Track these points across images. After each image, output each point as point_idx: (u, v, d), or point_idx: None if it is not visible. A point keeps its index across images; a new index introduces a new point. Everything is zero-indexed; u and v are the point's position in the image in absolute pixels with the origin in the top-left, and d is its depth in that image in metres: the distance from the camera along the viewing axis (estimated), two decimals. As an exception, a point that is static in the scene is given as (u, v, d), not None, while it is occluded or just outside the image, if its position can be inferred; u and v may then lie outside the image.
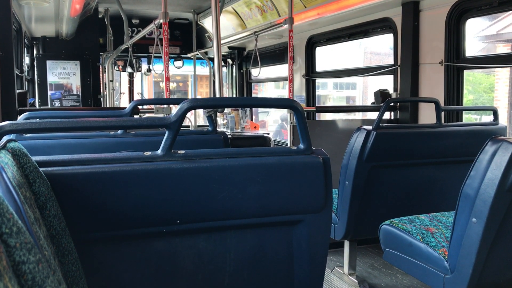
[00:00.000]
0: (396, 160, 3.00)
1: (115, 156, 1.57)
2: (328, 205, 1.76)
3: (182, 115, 1.56)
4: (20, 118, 2.46)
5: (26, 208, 1.00)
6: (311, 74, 5.70)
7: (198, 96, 20.02)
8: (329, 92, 21.80)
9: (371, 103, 4.57)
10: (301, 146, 1.72)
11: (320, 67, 5.75)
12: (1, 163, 1.05)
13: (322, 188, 1.73)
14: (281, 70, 6.88)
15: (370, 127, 2.89)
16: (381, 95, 4.29)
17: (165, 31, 3.74)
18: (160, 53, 4.18)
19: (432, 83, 3.86)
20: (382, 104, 3.17)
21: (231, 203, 1.65)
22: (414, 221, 2.54)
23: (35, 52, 6.82)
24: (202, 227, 1.68)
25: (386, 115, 4.29)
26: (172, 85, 20.12)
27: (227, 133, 2.88)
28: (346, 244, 3.34)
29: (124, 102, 8.83)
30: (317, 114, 5.63)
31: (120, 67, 8.14)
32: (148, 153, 1.59)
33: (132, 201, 1.56)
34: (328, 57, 6.55)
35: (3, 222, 0.78)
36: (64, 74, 6.47)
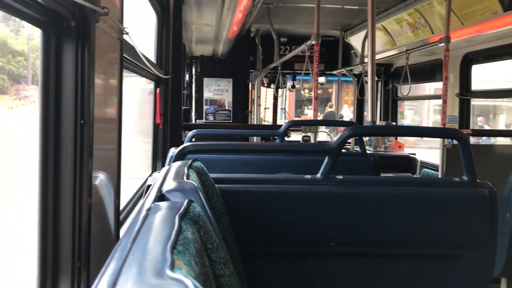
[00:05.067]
0: None
1: (278, 177, 1.70)
2: (492, 241, 1.66)
3: (342, 142, 1.62)
4: (189, 135, 2.75)
5: (216, 225, 1.15)
6: (465, 93, 5.34)
7: (345, 106, 19.94)
8: (501, 101, 17.80)
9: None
10: (465, 177, 1.66)
11: (476, 85, 5.36)
12: (195, 182, 1.21)
13: (486, 223, 1.64)
14: (428, 87, 6.56)
15: None
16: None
17: (316, 52, 3.86)
18: (305, 70, 4.31)
19: None
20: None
21: (386, 231, 1.66)
22: None
23: (193, 70, 7.51)
24: (356, 251, 1.71)
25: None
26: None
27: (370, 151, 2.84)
28: (503, 281, 3.06)
29: (268, 117, 9.17)
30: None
31: (266, 83, 8.55)
32: (308, 176, 1.68)
33: (292, 220, 1.66)
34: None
35: (207, 239, 0.91)
36: (218, 91, 7.02)
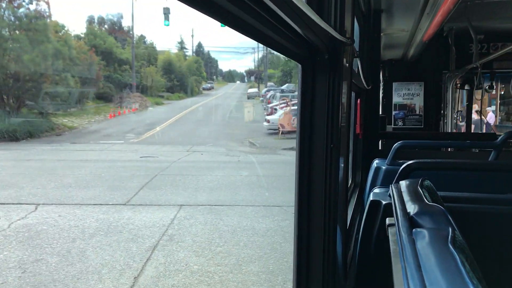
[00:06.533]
0: None
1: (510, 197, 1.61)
2: None
3: None
4: (395, 146, 2.74)
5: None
6: None
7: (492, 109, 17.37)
8: None
9: None
10: None
11: None
12: (434, 207, 1.23)
13: None
14: None
15: None
16: None
17: (531, 52, 3.46)
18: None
19: None
20: None
21: None
22: None
23: (381, 74, 7.40)
24: None
25: None
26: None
27: None
28: None
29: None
30: None
31: (459, 85, 7.95)
32: None
33: None
34: None
35: (474, 269, 0.94)
36: (408, 95, 6.81)
